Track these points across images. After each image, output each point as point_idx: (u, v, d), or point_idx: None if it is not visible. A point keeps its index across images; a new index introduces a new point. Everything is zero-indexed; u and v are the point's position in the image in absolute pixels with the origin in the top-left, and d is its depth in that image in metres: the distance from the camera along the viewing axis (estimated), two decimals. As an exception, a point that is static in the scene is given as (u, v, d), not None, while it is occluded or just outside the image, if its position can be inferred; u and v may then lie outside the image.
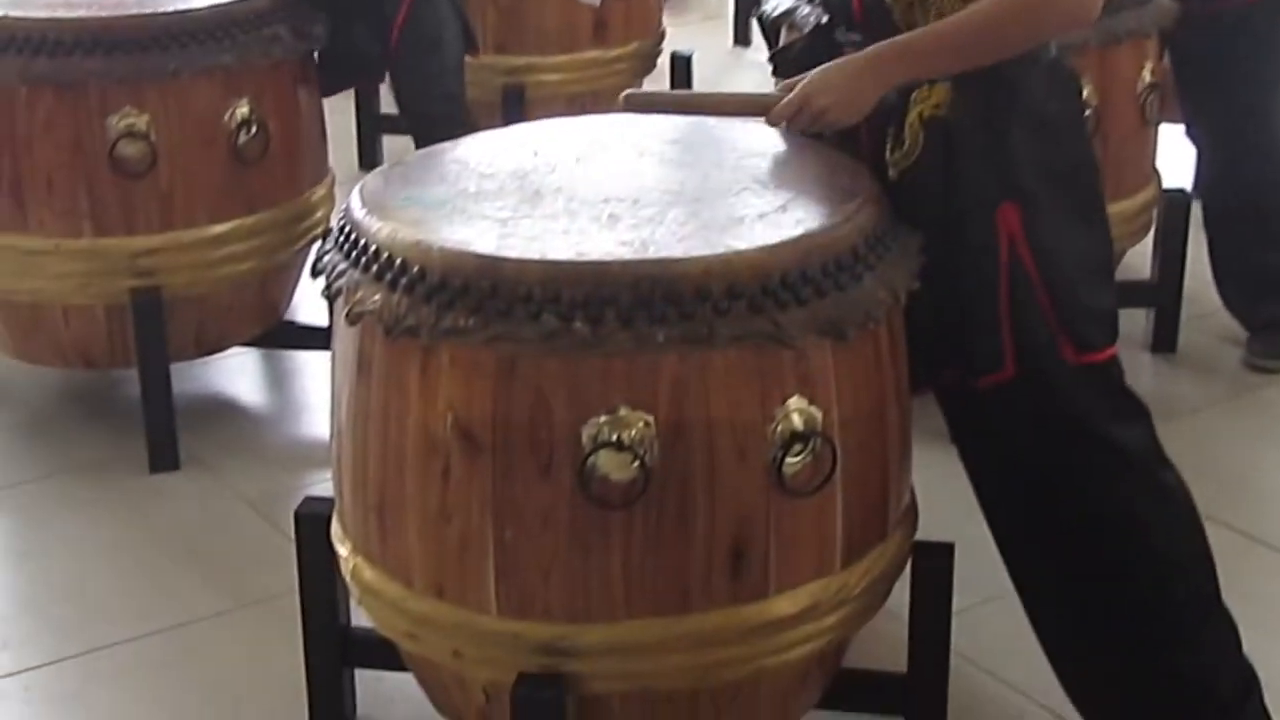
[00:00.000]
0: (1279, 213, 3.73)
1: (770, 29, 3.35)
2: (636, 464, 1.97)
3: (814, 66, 2.32)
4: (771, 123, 2.34)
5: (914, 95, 2.23)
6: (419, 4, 3.67)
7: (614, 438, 1.97)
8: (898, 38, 2.22)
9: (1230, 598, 2.34)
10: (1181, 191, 3.78)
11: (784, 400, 2.03)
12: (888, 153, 2.26)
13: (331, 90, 3.62)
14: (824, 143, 2.35)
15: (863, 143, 2.32)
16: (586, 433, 1.98)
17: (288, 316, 3.64)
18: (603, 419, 1.98)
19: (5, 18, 3.14)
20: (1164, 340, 3.83)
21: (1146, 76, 3.49)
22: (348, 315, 2.10)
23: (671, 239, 2.05)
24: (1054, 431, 2.24)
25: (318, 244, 2.29)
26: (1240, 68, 3.60)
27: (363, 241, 2.12)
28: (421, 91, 3.81)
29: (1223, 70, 3.61)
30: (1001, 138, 2.20)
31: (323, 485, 3.07)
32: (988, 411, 2.27)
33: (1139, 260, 3.86)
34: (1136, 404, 2.29)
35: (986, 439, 2.32)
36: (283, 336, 3.64)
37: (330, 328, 2.28)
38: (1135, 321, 3.71)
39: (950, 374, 2.29)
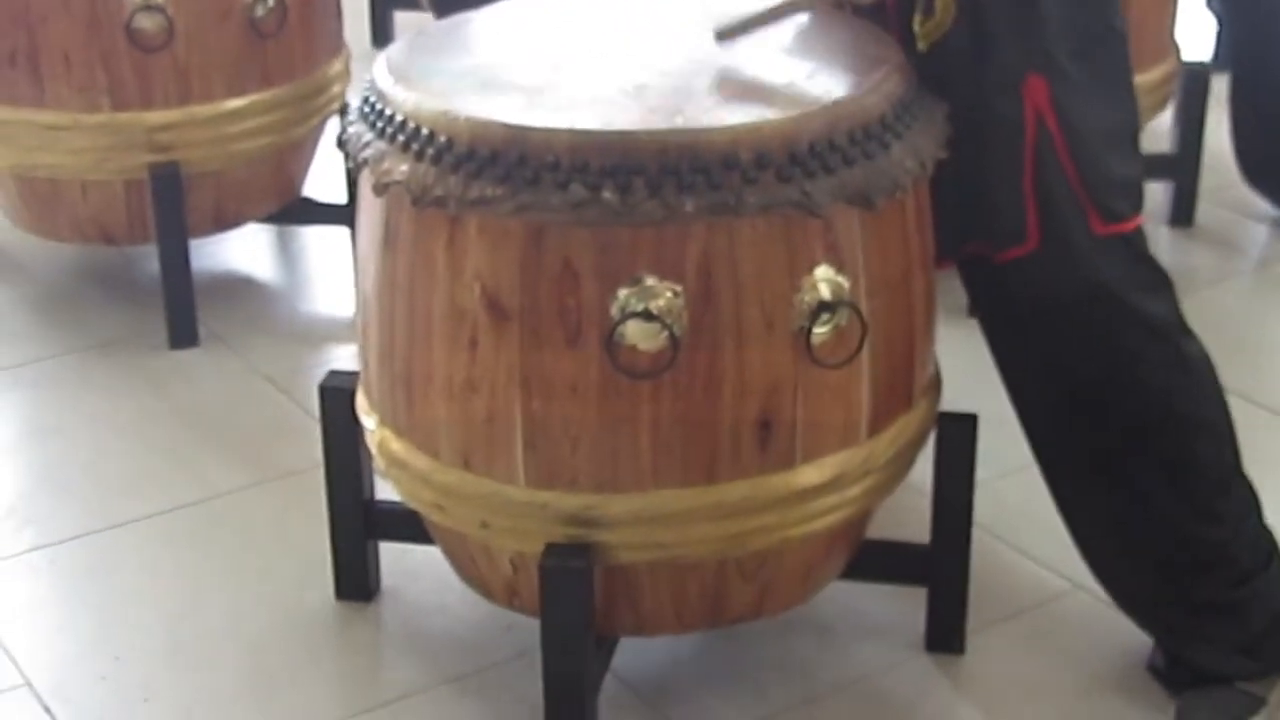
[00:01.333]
0: None
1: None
2: (665, 334, 1.97)
3: None
4: None
5: None
6: None
7: (642, 308, 1.97)
8: None
9: (1251, 468, 2.35)
10: (1201, 64, 3.75)
11: (811, 269, 2.03)
12: (916, 24, 2.24)
13: None
14: (851, 13, 2.34)
15: (890, 16, 2.31)
16: (615, 303, 1.98)
17: (304, 193, 3.62)
18: (631, 289, 1.98)
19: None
20: (1182, 214, 3.82)
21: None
22: (374, 186, 2.09)
23: (699, 108, 2.05)
24: (1077, 302, 2.24)
25: (339, 117, 2.28)
26: None
27: (389, 112, 2.11)
28: None
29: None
30: (1031, 7, 2.18)
31: (342, 361, 3.08)
32: (1011, 284, 2.27)
33: (1158, 133, 3.84)
34: (1160, 274, 2.28)
35: (1010, 311, 2.32)
36: (300, 212, 3.63)
37: (349, 202, 2.27)
38: (1153, 195, 3.69)
39: (974, 246, 2.28)
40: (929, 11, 2.22)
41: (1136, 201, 2.27)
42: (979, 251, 2.28)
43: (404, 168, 2.04)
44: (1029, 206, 2.20)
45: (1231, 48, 3.85)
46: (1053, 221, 2.21)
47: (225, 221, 3.46)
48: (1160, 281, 2.28)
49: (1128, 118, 2.30)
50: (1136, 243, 2.26)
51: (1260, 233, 3.82)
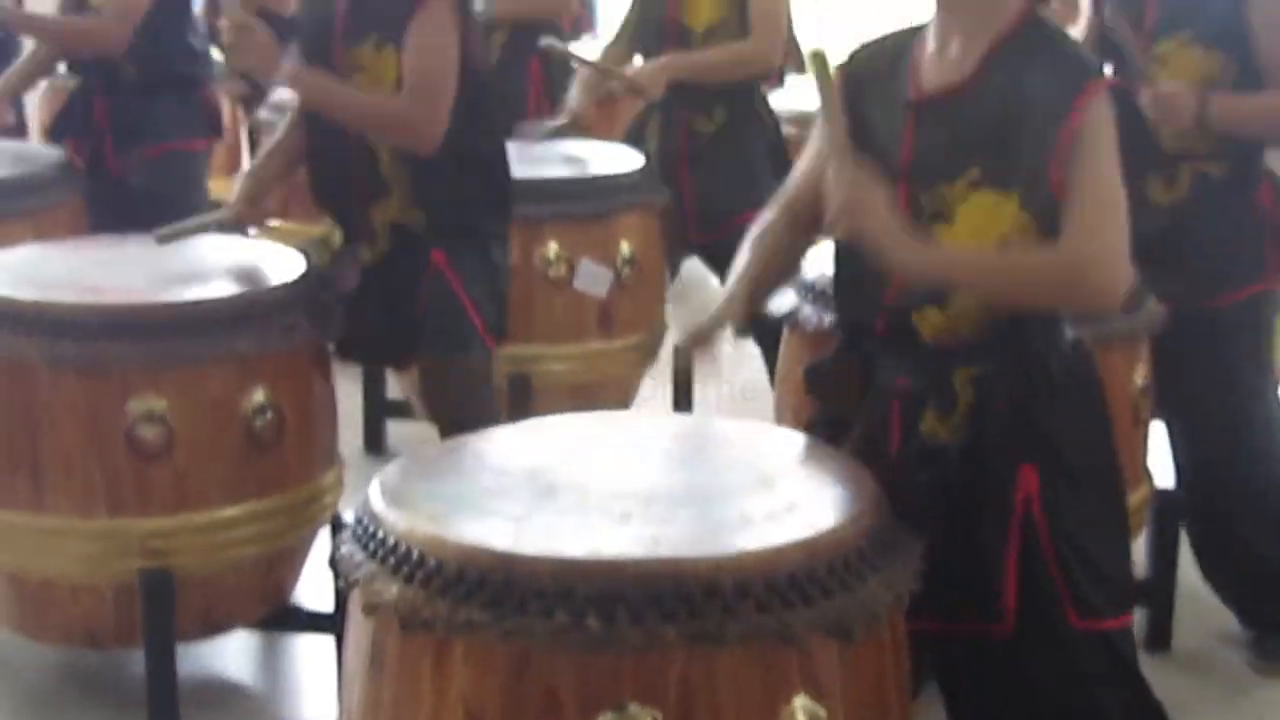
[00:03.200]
0: (1275, 510, 3.78)
1: (769, 329, 3.46)
2: (646, 758, 2.00)
3: (848, 383, 2.51)
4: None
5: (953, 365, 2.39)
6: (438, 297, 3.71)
7: (624, 733, 2.00)
8: (939, 252, 2.36)
9: None
10: (1174, 491, 3.84)
11: (790, 699, 2.07)
12: (933, 422, 2.37)
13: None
14: (829, 446, 2.44)
15: (894, 424, 2.44)
16: (597, 728, 2.02)
17: (292, 601, 3.66)
18: (613, 714, 2.01)
19: (35, 302, 3.23)
20: (1158, 639, 3.85)
21: (1138, 379, 3.58)
22: (364, 606, 2.15)
23: (682, 538, 2.12)
24: (1047, 694, 2.28)
25: (333, 533, 2.34)
26: (1221, 365, 3.70)
27: (381, 534, 2.18)
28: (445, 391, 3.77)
29: (1205, 368, 3.71)
30: (1028, 407, 2.31)
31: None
32: (984, 666, 2.32)
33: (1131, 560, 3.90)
34: (1142, 688, 2.32)
35: (980, 693, 2.35)
36: (287, 619, 3.66)
37: (336, 610, 2.32)
38: (1130, 620, 3.74)
39: (958, 625, 2.34)
40: (952, 404, 2.33)
41: (1120, 602, 2.33)
42: (960, 627, 2.33)
43: (394, 590, 2.10)
44: (1009, 589, 2.27)
45: (1182, 464, 3.94)
46: (1031, 608, 2.28)
47: (213, 626, 3.48)
48: (1139, 695, 2.32)
49: (1117, 519, 2.41)
50: (1119, 645, 2.31)
51: (1236, 658, 3.84)
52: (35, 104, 6.08)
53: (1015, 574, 2.29)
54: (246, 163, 6.82)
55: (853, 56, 2.55)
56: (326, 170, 3.68)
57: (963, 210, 2.35)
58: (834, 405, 2.56)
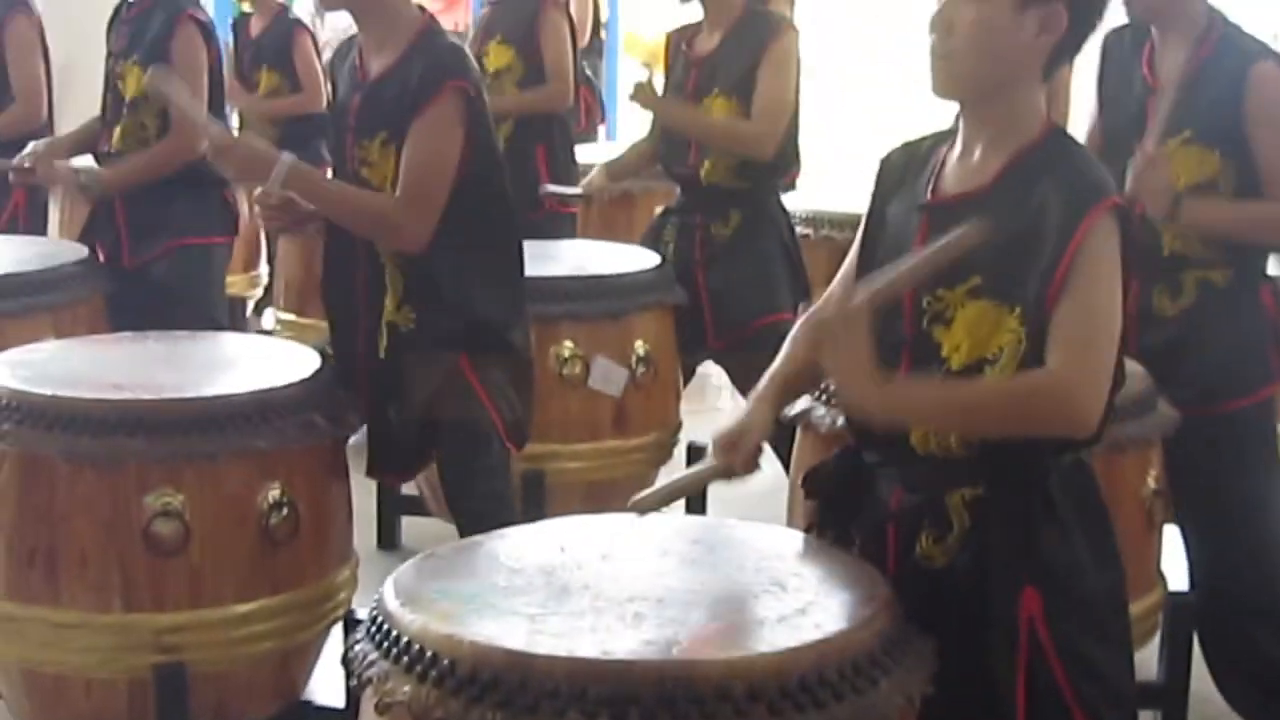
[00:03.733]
0: None
1: (783, 430, 3.48)
2: None
3: (845, 488, 2.53)
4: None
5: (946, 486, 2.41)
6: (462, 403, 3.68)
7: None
8: (898, 393, 2.36)
9: None
10: (1186, 594, 3.85)
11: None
12: (929, 544, 2.40)
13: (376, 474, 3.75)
14: (840, 548, 2.46)
15: (890, 541, 2.46)
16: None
17: (305, 696, 3.67)
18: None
19: (54, 397, 3.26)
20: (1172, 743, 3.85)
21: (1150, 483, 3.59)
22: (376, 705, 2.16)
23: (694, 640, 2.13)
24: None
25: (346, 631, 2.35)
26: (1232, 470, 3.71)
27: (394, 633, 2.19)
28: (466, 489, 3.78)
29: (1216, 473, 3.72)
30: (1031, 531, 2.33)
31: None
32: None
33: (1145, 663, 3.89)
34: None
35: None
36: (300, 716, 3.66)
37: (348, 710, 2.33)
38: (1143, 724, 3.74)
39: None
40: (947, 526, 2.35)
41: (1129, 712, 2.35)
42: None
43: (406, 689, 2.12)
44: (1019, 710, 2.29)
45: (1196, 568, 3.95)
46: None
47: (225, 720, 3.49)
48: None
49: (1122, 634, 2.43)
50: None
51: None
52: (56, 201, 6.12)
53: (1024, 691, 2.31)
54: (264, 257, 6.87)
55: (890, 155, 2.58)
56: (336, 270, 3.71)
57: (961, 315, 2.37)
58: (833, 510, 2.57)
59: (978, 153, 2.43)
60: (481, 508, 3.63)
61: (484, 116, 3.49)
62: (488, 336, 3.60)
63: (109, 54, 4.84)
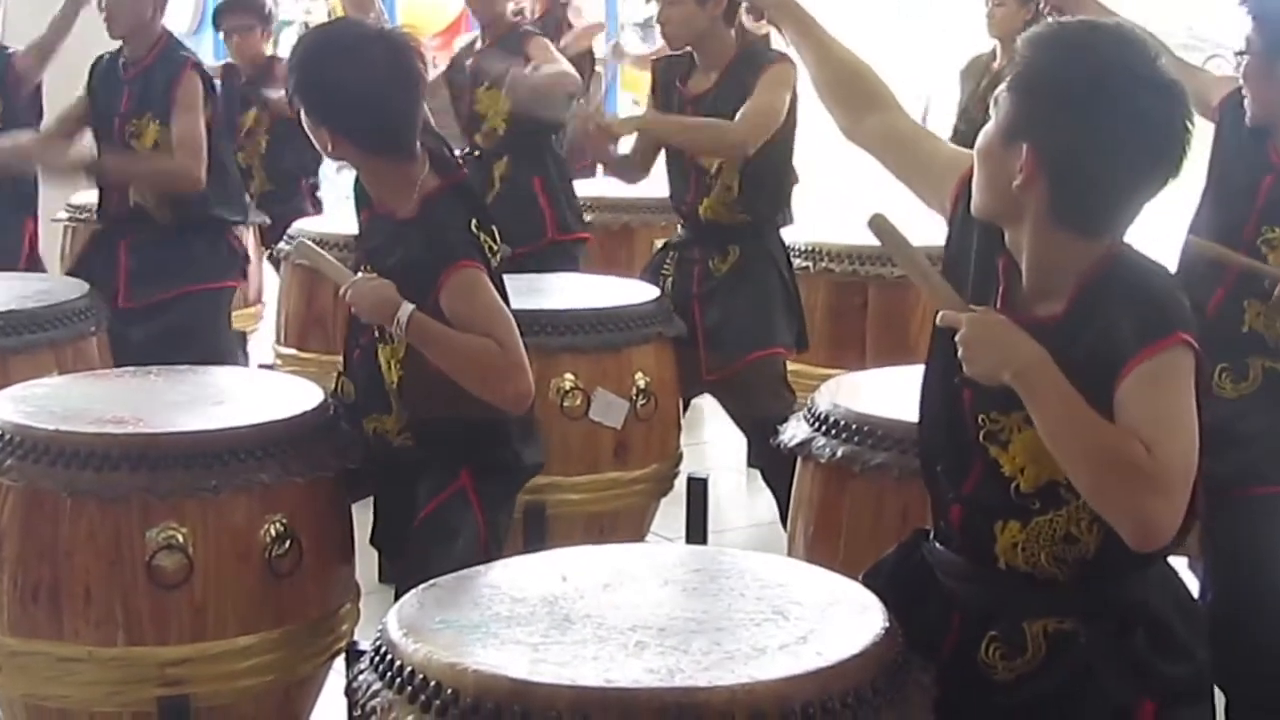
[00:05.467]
0: None
1: (782, 460, 3.49)
2: None
3: (907, 581, 2.49)
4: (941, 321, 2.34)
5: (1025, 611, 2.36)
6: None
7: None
8: (1057, 389, 2.22)
9: None
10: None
11: None
12: (994, 656, 2.37)
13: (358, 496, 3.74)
14: (844, 575, 2.47)
15: (952, 636, 2.42)
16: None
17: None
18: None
19: (57, 432, 3.28)
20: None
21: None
22: (380, 735, 2.17)
23: (696, 667, 2.15)
24: None
25: (349, 662, 2.36)
26: (1267, 550, 3.69)
27: (398, 663, 2.21)
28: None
29: (1251, 551, 3.68)
30: (1135, 649, 2.31)
31: None
32: None
33: None
34: None
35: None
36: (301, 751, 3.67)
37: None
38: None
39: None
40: (1018, 648, 2.36)
41: None
42: None
43: (410, 718, 2.13)
44: None
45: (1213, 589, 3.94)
46: None
47: (228, 755, 3.49)
48: None
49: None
50: None
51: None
52: (55, 237, 6.18)
53: None
54: (268, 294, 6.89)
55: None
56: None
57: (1018, 440, 2.30)
58: (895, 599, 2.44)
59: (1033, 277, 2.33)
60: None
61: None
62: (495, 466, 3.55)
63: (109, 113, 4.89)
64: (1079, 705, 2.32)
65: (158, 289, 4.76)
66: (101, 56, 5.04)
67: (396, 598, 3.65)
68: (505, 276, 3.50)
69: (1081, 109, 2.20)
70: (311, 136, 3.41)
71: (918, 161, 2.62)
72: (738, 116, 4.51)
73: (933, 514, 2.52)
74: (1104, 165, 2.22)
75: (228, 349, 5.00)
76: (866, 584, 2.50)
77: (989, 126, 2.32)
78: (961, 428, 2.38)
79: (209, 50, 8.91)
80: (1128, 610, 2.33)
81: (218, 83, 5.18)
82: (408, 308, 3.27)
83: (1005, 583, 2.36)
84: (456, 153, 3.83)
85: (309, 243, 3.95)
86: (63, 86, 5.52)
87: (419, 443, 3.50)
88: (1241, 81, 3.60)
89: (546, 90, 4.85)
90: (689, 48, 4.70)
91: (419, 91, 3.41)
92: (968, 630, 2.40)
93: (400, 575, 3.51)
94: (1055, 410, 2.21)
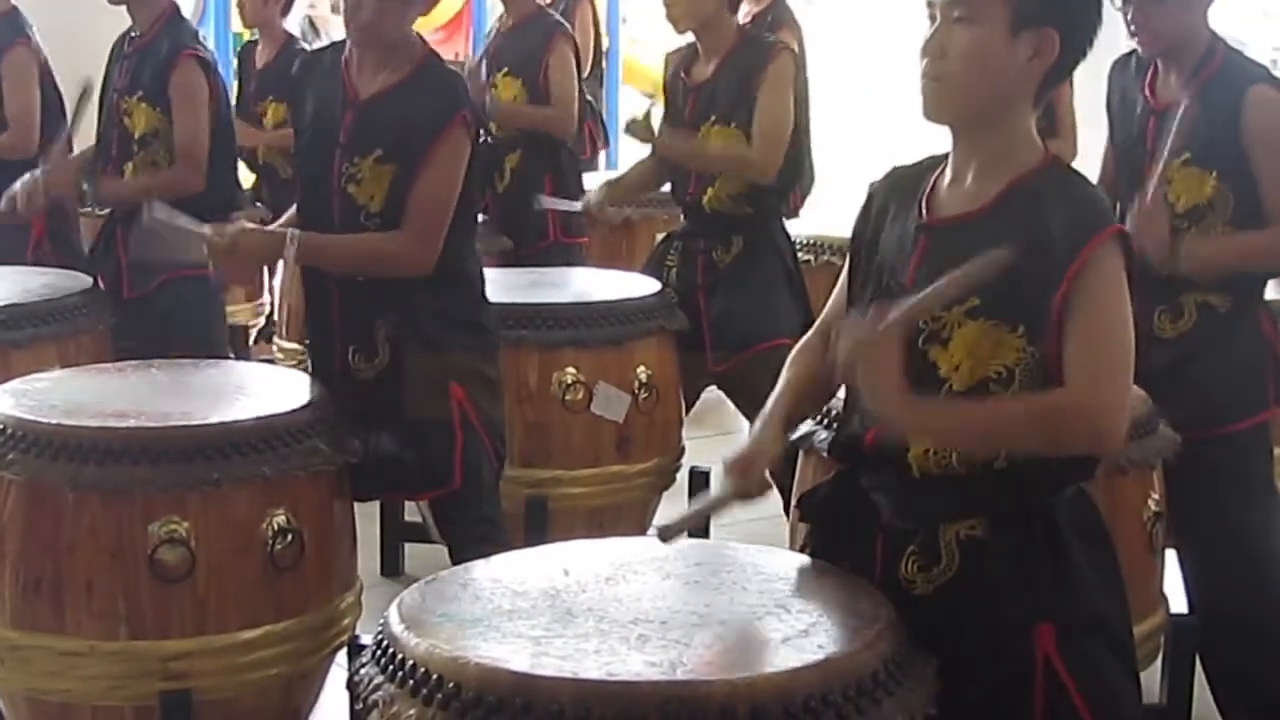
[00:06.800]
0: None
1: (784, 454, 3.49)
2: None
3: (840, 512, 2.54)
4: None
5: (942, 518, 2.40)
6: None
7: None
8: (943, 406, 2.37)
9: None
10: (1188, 616, 3.85)
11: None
12: (913, 570, 2.41)
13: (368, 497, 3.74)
14: (843, 570, 2.47)
15: (877, 557, 2.46)
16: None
17: (309, 720, 3.68)
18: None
19: (59, 426, 3.28)
20: (1175, 767, 3.85)
21: (1151, 505, 3.59)
22: (382, 729, 2.17)
23: (698, 660, 2.15)
24: None
25: (351, 656, 2.36)
26: (1230, 493, 3.72)
27: (400, 656, 2.21)
28: (457, 515, 3.83)
29: (1215, 496, 3.73)
30: (1037, 565, 2.34)
31: None
32: None
33: (1148, 685, 3.89)
34: None
35: None
36: (304, 742, 3.67)
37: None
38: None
39: None
40: (934, 557, 2.36)
41: None
42: None
43: (412, 712, 2.13)
44: None
45: (1195, 591, 3.95)
46: None
47: (229, 747, 3.50)
48: None
49: (1129, 663, 2.48)
50: None
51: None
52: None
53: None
54: (266, 285, 6.89)
55: (877, 182, 2.60)
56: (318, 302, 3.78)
57: (959, 335, 2.37)
58: (827, 532, 2.59)
59: (970, 178, 2.44)
60: (472, 532, 3.66)
61: (476, 144, 3.57)
62: (472, 366, 3.68)
63: (110, 88, 4.86)
64: (989, 620, 2.36)
65: (152, 276, 4.75)
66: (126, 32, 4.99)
67: (441, 531, 3.77)
68: (507, 271, 3.56)
69: None
70: None
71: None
72: (752, 137, 4.52)
73: (845, 449, 2.60)
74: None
75: (219, 336, 4.98)
76: (799, 508, 2.66)
77: (966, 31, 2.36)
78: None
79: (211, 47, 8.87)
80: (1034, 518, 2.38)
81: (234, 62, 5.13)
82: (295, 236, 3.49)
83: (919, 488, 2.43)
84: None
85: (163, 204, 3.91)
86: (67, 74, 5.51)
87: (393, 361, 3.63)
88: (1129, 24, 3.66)
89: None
90: (693, 36, 4.70)
91: None
92: (891, 549, 2.44)
93: (440, 520, 3.86)
94: (954, 429, 2.37)
